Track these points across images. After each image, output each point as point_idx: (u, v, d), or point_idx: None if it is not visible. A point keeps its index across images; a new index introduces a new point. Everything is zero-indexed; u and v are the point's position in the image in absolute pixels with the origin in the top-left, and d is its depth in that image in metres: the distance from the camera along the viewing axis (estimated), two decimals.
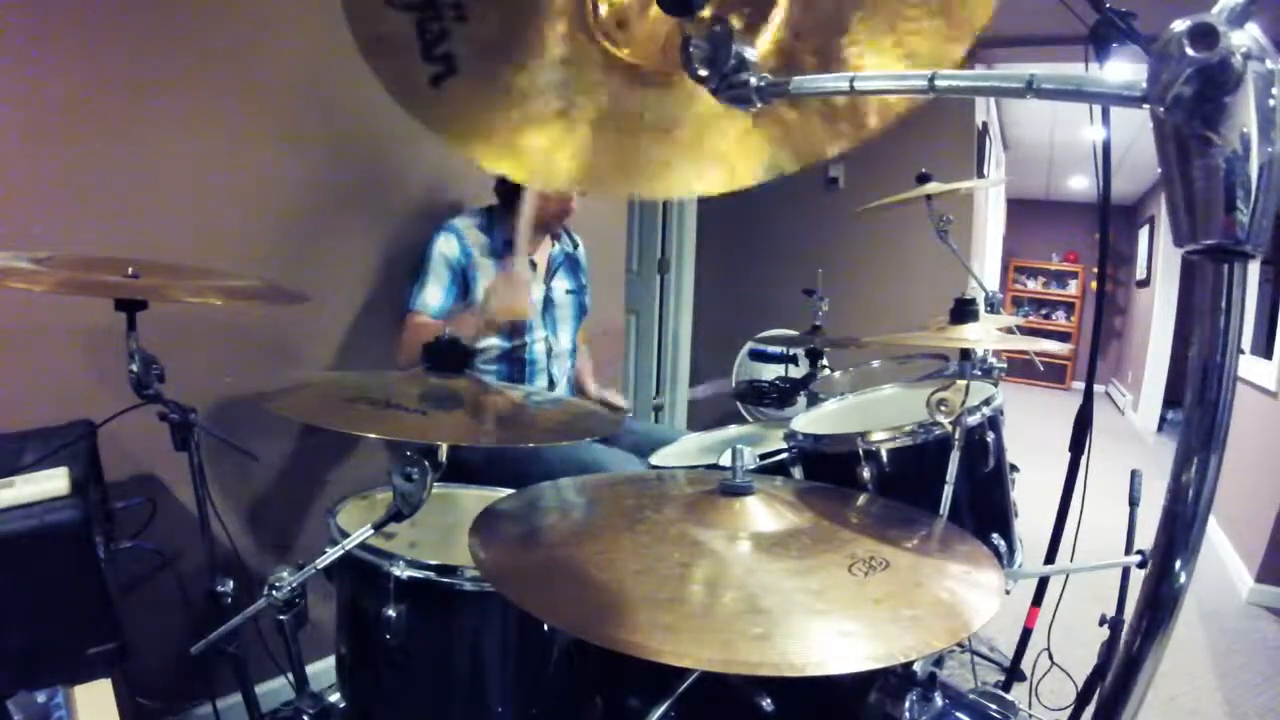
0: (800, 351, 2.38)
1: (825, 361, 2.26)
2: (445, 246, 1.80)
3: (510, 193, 1.81)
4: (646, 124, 0.74)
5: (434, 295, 1.79)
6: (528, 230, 1.70)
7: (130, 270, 1.13)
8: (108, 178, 1.47)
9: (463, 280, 1.81)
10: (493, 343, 1.84)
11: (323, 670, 1.45)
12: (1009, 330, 1.45)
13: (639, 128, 0.74)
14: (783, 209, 3.80)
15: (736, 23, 0.58)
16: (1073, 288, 9.02)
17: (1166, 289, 6.27)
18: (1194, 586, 0.44)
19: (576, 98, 0.72)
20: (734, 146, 0.75)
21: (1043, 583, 1.85)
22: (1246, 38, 0.36)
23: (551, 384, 1.95)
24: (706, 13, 0.55)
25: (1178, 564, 0.44)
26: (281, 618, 0.85)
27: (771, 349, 3.26)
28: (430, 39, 0.65)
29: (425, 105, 0.69)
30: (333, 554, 0.88)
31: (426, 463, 0.84)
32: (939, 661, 0.81)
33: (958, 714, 0.83)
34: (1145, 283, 7.23)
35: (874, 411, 1.54)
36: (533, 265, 1.88)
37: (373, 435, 0.85)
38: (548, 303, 1.92)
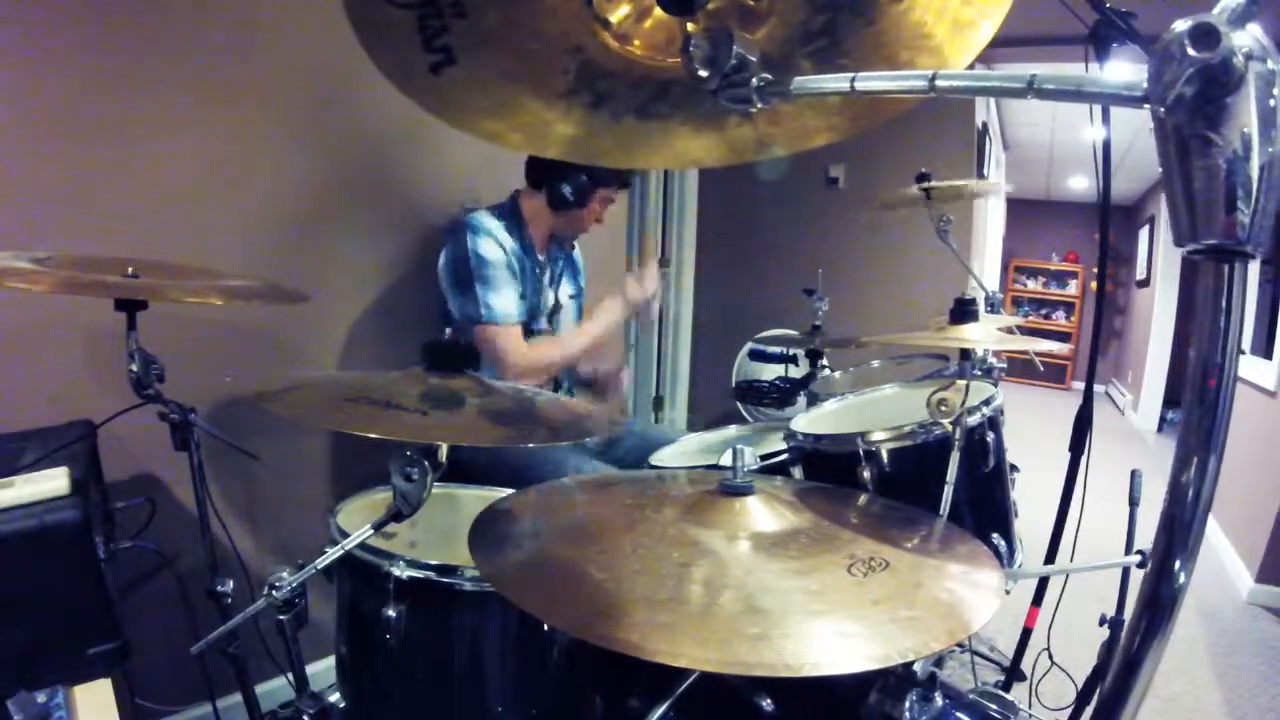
0: (800, 351, 2.38)
1: (825, 361, 2.25)
2: (488, 249, 1.68)
3: (543, 172, 1.75)
4: (643, 111, 0.75)
5: (508, 300, 1.69)
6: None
7: (130, 270, 1.14)
8: (108, 178, 1.47)
9: (518, 279, 1.74)
10: None
11: (323, 670, 1.44)
12: (1009, 330, 1.45)
13: (635, 114, 0.75)
14: (783, 209, 3.78)
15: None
16: (1073, 288, 9.01)
17: (1166, 289, 6.27)
18: (1194, 586, 0.44)
19: (576, 83, 0.73)
20: (729, 132, 0.76)
21: (1043, 583, 1.85)
22: (1248, 38, 0.36)
23: (556, 387, 1.95)
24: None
25: (1177, 564, 0.44)
26: (281, 618, 0.85)
27: (771, 349, 3.25)
28: (430, 34, 0.67)
29: (425, 90, 0.72)
30: (333, 554, 0.88)
31: (426, 463, 0.84)
32: (939, 661, 0.80)
33: (958, 714, 0.83)
34: (1145, 283, 7.23)
35: (874, 411, 1.54)
36: (542, 269, 1.87)
37: (373, 435, 0.85)
38: (555, 307, 1.91)
